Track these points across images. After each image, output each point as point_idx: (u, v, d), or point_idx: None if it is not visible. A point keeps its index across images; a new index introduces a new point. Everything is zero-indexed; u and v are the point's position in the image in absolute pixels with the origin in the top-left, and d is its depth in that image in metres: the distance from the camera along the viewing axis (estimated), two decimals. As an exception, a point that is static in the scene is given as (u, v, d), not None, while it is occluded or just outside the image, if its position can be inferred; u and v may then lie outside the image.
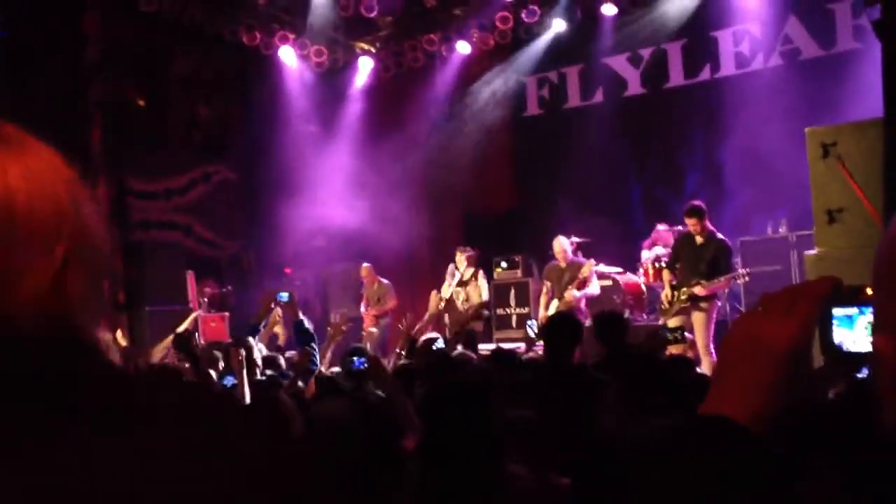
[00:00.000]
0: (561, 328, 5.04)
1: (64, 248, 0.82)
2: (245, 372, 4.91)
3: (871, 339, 0.96)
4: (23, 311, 0.79)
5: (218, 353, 6.13)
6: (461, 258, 10.86)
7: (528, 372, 4.93)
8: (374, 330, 11.15)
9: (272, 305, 6.10)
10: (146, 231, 12.33)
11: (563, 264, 10.04)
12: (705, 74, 12.10)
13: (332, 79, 14.09)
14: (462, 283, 10.85)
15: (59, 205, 0.83)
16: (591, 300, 10.07)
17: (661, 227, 11.00)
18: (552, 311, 9.65)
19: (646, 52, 12.56)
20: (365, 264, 11.80)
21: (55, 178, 0.85)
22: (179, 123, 13.49)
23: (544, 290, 10.23)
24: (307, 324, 5.73)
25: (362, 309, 11.68)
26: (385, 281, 11.71)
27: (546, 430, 3.63)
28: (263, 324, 6.48)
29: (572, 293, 9.77)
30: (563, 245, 10.11)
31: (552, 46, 13.19)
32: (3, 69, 11.15)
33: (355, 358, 4.93)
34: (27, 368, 0.80)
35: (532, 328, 10.23)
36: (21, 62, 11.26)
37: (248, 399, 4.74)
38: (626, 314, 9.72)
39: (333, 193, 13.17)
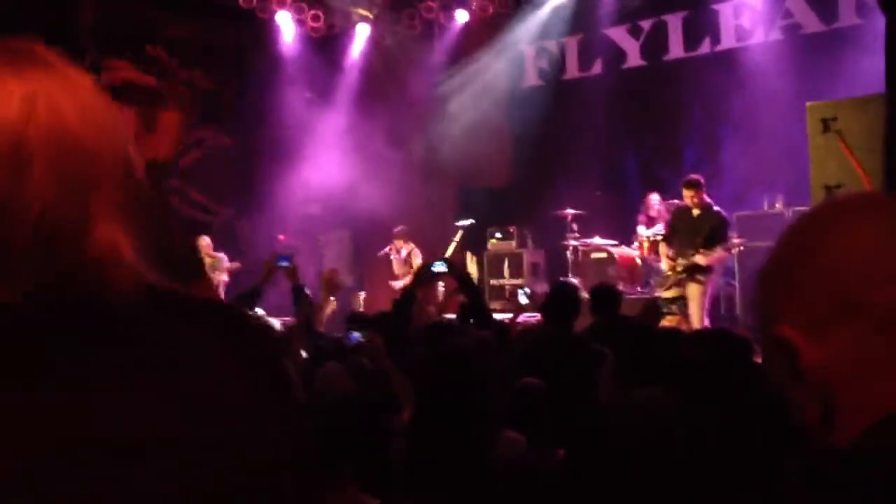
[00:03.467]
0: (561, 298, 5.02)
1: (31, 155, 0.81)
2: None
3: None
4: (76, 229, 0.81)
5: None
6: (399, 242, 10.87)
7: (526, 342, 4.91)
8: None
9: (274, 269, 6.05)
10: (139, 194, 12.25)
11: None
12: (705, 47, 12.02)
13: (328, 45, 13.97)
14: (407, 263, 10.84)
15: (30, 115, 0.82)
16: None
17: (652, 196, 10.95)
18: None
19: (646, 24, 12.46)
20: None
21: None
22: (177, 89, 13.34)
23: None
24: (307, 290, 5.72)
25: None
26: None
27: (545, 399, 3.62)
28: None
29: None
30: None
31: (552, 16, 13.08)
32: (-3, 31, 11.01)
33: (352, 333, 4.91)
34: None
35: (524, 296, 10.21)
36: (12, 24, 11.12)
37: None
38: (620, 286, 9.70)
39: (328, 160, 13.09)
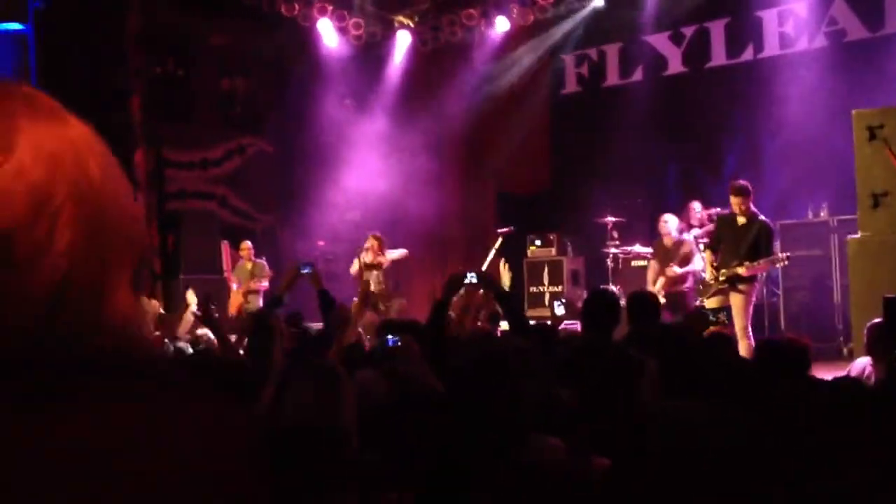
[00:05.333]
0: (600, 305, 4.98)
1: (58, 210, 0.79)
2: (278, 343, 4.93)
3: None
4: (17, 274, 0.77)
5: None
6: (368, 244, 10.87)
7: (567, 350, 4.88)
8: None
9: (296, 277, 6.09)
10: (182, 201, 12.40)
11: (667, 243, 9.92)
12: (748, 54, 11.91)
13: (369, 53, 14.04)
14: (370, 267, 10.81)
15: (56, 170, 0.80)
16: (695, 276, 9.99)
17: (694, 204, 10.86)
18: (658, 288, 9.61)
19: (688, 31, 12.38)
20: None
21: (63, 148, 0.82)
22: (217, 96, 13.52)
23: (651, 268, 10.16)
24: (331, 294, 5.74)
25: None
26: None
27: (586, 408, 3.59)
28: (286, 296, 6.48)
29: (673, 270, 9.67)
30: (668, 223, 9.99)
31: (592, 23, 13.04)
32: (44, 40, 11.21)
33: (389, 336, 4.92)
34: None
35: (560, 306, 10.17)
36: (62, 34, 11.32)
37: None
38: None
39: (368, 167, 13.14)
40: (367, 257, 10.86)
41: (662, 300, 9.11)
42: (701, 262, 9.94)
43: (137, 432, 0.79)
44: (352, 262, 11.15)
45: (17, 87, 0.85)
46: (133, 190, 0.88)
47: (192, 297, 10.23)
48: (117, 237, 0.83)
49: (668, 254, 9.86)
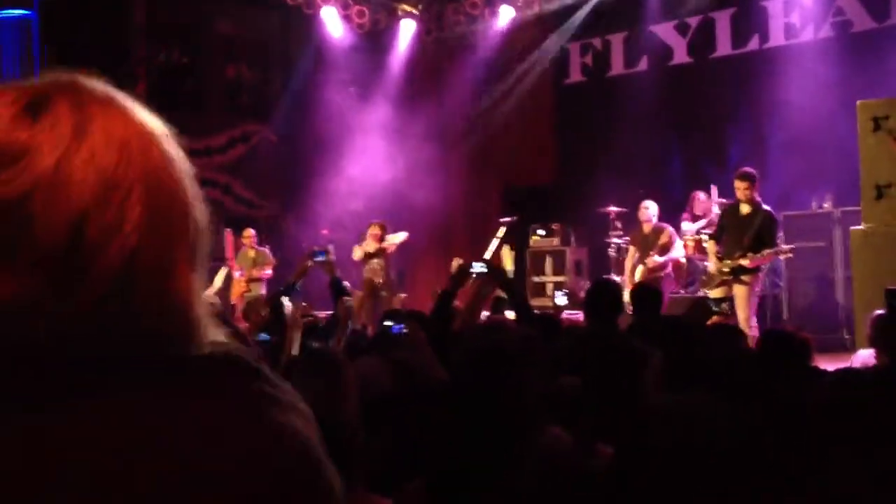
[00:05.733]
0: (602, 296, 4.99)
1: (127, 193, 0.82)
2: (291, 330, 4.96)
3: None
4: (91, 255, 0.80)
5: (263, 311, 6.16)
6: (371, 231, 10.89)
7: (570, 339, 4.89)
8: None
9: (309, 264, 6.10)
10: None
11: (646, 230, 9.95)
12: (754, 45, 11.87)
13: (373, 41, 14.02)
14: (371, 255, 10.86)
15: (125, 155, 0.84)
16: (677, 266, 10.01)
17: (699, 194, 10.87)
18: (638, 277, 9.64)
19: (694, 21, 12.34)
20: None
21: (131, 134, 0.85)
22: (222, 84, 13.51)
23: (629, 255, 10.19)
24: (344, 282, 5.75)
25: None
26: None
27: (590, 398, 3.60)
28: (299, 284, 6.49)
29: (653, 259, 9.71)
30: (648, 209, 10.00)
31: (597, 12, 13.00)
32: (49, 27, 11.20)
33: (392, 323, 4.92)
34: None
35: (562, 296, 10.19)
36: (66, 20, 11.31)
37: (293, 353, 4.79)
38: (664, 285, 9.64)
39: (372, 156, 13.14)
40: (371, 246, 10.89)
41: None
42: (682, 250, 9.97)
43: (144, 432, 0.80)
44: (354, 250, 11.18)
45: (88, 81, 0.88)
46: (193, 174, 0.92)
47: (218, 280, 10.27)
48: (180, 219, 0.87)
49: (647, 241, 9.89)
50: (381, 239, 10.92)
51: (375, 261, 10.89)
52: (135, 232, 0.81)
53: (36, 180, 0.78)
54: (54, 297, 0.78)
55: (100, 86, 0.88)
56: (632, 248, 10.18)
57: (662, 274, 9.75)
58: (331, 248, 6.16)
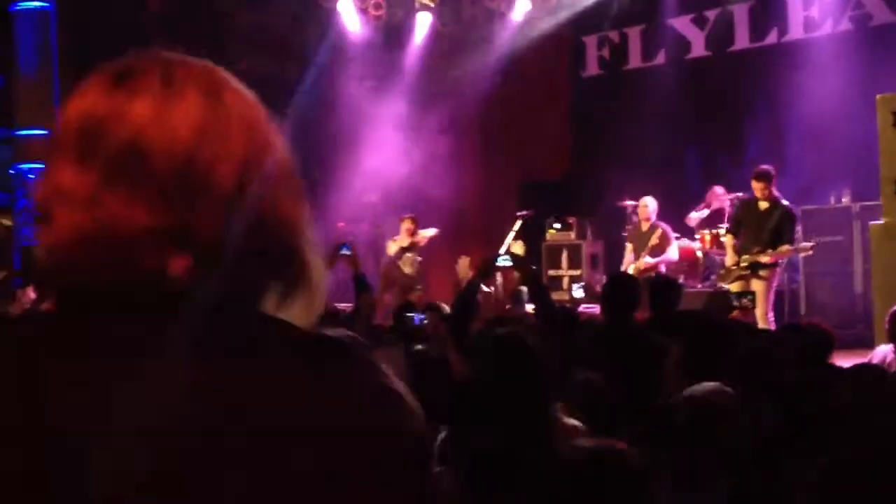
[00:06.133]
0: (619, 291, 4.98)
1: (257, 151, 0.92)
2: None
3: None
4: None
5: None
6: (404, 226, 10.97)
7: (588, 333, 4.88)
8: None
9: (335, 258, 6.11)
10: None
11: (644, 227, 9.92)
12: (772, 38, 11.81)
13: (389, 34, 14.00)
14: (406, 249, 10.91)
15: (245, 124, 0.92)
16: (671, 266, 9.97)
17: (717, 189, 10.83)
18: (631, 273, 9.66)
19: (711, 14, 12.28)
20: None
21: (249, 105, 0.95)
22: (237, 76, 13.50)
23: (627, 251, 10.17)
24: (366, 278, 5.77)
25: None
26: None
27: (606, 392, 3.59)
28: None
29: (644, 261, 9.69)
30: (647, 206, 9.96)
31: (614, 5, 12.94)
32: (67, 18, 11.26)
33: (415, 314, 4.94)
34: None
35: (579, 289, 10.17)
36: (84, 12, 11.36)
37: None
38: (680, 280, 9.60)
39: (388, 149, 13.13)
40: (404, 240, 10.97)
41: None
42: (676, 252, 9.90)
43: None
44: (375, 243, 11.24)
45: (179, 55, 0.97)
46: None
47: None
48: (277, 158, 0.96)
49: (643, 239, 9.86)
50: (414, 233, 11.01)
51: (408, 255, 10.99)
52: (240, 155, 0.89)
53: (140, 128, 0.86)
54: (179, 221, 0.84)
55: (186, 56, 0.97)
56: (629, 245, 10.15)
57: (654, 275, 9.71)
58: (353, 244, 6.18)
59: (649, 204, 9.99)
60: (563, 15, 13.28)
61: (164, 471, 0.78)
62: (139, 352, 0.82)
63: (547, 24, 13.47)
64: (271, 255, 0.90)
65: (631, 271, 9.71)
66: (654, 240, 9.73)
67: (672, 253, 9.88)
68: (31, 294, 9.56)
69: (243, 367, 0.82)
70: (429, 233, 11.15)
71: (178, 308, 0.82)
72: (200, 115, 0.88)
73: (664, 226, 9.95)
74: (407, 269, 10.95)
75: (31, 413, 0.80)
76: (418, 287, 10.82)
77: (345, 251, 5.90)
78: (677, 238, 11.02)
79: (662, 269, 9.80)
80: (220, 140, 0.88)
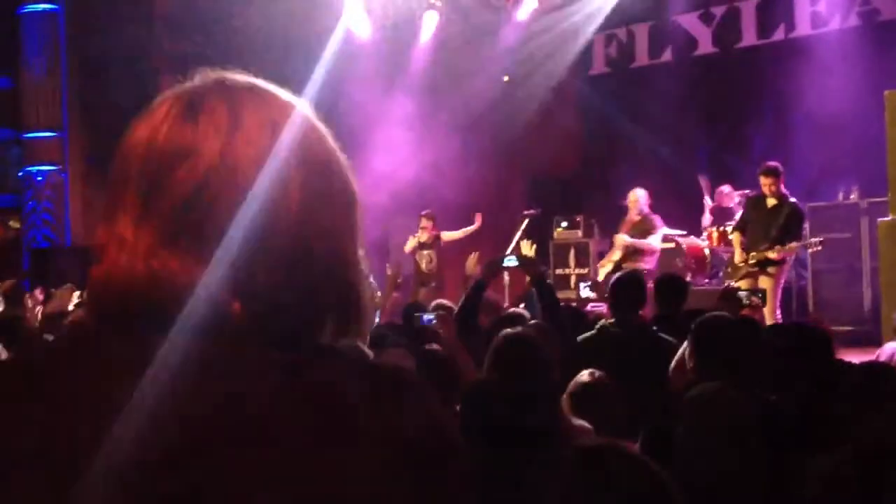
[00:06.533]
0: (625, 289, 4.98)
1: (286, 168, 0.90)
2: None
3: None
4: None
5: None
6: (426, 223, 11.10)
7: (597, 332, 4.89)
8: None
9: None
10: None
11: (634, 217, 9.93)
12: (779, 34, 11.79)
13: (396, 33, 14.00)
14: (423, 246, 10.98)
15: (278, 136, 0.91)
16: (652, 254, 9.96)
17: (724, 188, 10.83)
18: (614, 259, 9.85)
19: (718, 11, 12.26)
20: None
21: (282, 118, 0.94)
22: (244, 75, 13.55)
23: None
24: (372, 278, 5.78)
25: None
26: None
27: (613, 390, 3.60)
28: None
29: (622, 236, 9.72)
30: (639, 200, 9.97)
31: (621, 2, 12.92)
32: (74, 21, 11.30)
33: (423, 315, 4.96)
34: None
35: (586, 288, 10.17)
36: (91, 13, 11.40)
37: None
38: (688, 277, 9.59)
39: (396, 148, 13.14)
40: (423, 236, 11.05)
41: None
42: (659, 242, 9.87)
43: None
44: (383, 242, 11.28)
45: (239, 79, 0.97)
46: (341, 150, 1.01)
47: None
48: (338, 186, 0.96)
49: (637, 229, 9.87)
50: (433, 229, 11.10)
51: (426, 251, 11.07)
52: (299, 203, 0.89)
53: (206, 171, 0.86)
54: (234, 278, 0.85)
55: (242, 78, 0.97)
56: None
57: (646, 268, 9.69)
58: None
59: (640, 196, 9.98)
60: (570, 13, 13.28)
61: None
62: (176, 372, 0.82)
63: (554, 22, 13.46)
64: (327, 295, 0.91)
65: (617, 256, 9.76)
66: (644, 225, 9.77)
67: (654, 241, 9.83)
68: (39, 296, 9.62)
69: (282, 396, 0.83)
70: (454, 235, 11.21)
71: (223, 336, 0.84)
72: (265, 157, 0.88)
73: (654, 217, 9.94)
74: (423, 266, 11.05)
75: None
76: (433, 284, 10.87)
77: None
78: (684, 236, 11.03)
79: (653, 261, 9.79)
80: (282, 187, 0.88)
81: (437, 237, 11.19)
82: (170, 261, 0.85)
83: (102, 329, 0.87)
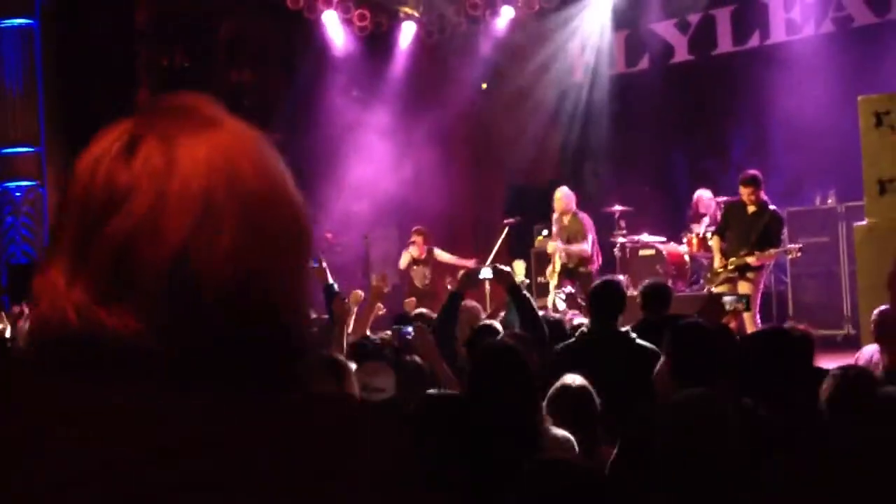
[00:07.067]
0: (605, 296, 5.00)
1: (221, 211, 0.86)
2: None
3: None
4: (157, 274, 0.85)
5: None
6: (416, 238, 11.06)
7: (574, 340, 4.90)
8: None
9: None
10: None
11: (566, 220, 10.00)
12: (754, 41, 11.88)
13: (375, 43, 14.02)
14: (417, 262, 10.97)
15: (214, 176, 0.87)
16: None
17: (704, 193, 10.88)
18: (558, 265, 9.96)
19: (694, 18, 12.35)
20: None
21: (217, 154, 0.89)
22: (224, 88, 13.53)
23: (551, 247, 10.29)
24: (336, 287, 5.80)
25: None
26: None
27: (593, 399, 3.61)
28: None
29: (557, 243, 9.79)
30: (562, 199, 10.02)
31: (598, 12, 13.00)
32: (55, 32, 11.24)
33: (403, 327, 4.97)
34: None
35: (560, 300, 10.17)
36: (68, 27, 11.35)
37: None
38: (669, 283, 9.63)
39: (376, 158, 13.14)
40: (415, 251, 11.01)
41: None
42: (591, 246, 9.93)
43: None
44: (363, 253, 11.24)
45: (175, 102, 0.93)
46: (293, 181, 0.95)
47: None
48: (283, 232, 0.90)
49: (565, 231, 9.94)
50: (424, 244, 11.06)
51: (420, 267, 11.03)
52: (235, 249, 0.86)
53: (139, 221, 0.84)
54: (170, 324, 0.84)
55: (193, 106, 0.93)
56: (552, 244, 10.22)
57: (592, 268, 9.78)
58: (321, 256, 6.20)
59: (563, 195, 10.05)
60: (548, 23, 13.34)
61: None
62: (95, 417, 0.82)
63: (532, 32, 13.51)
64: (264, 339, 0.88)
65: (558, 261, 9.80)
66: (575, 225, 9.84)
67: (586, 246, 9.91)
68: (25, 310, 9.55)
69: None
70: (445, 256, 11.21)
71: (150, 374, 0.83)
72: (198, 200, 0.86)
73: (582, 216, 10.00)
74: (418, 282, 11.01)
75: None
76: (427, 300, 10.84)
77: (312, 264, 5.92)
78: (664, 243, 11.08)
79: (593, 265, 9.88)
80: (215, 230, 0.85)
81: (430, 252, 11.16)
82: (102, 313, 0.83)
83: (41, 371, 0.86)
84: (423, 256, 11.05)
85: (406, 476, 0.87)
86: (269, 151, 0.95)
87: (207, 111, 0.93)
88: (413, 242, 11.13)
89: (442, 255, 11.25)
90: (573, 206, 10.04)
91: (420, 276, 11.06)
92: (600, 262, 10.15)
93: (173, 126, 0.89)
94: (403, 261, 11.23)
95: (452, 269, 11.13)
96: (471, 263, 10.68)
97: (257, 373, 0.87)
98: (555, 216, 10.23)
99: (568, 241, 9.97)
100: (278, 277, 0.89)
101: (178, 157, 0.87)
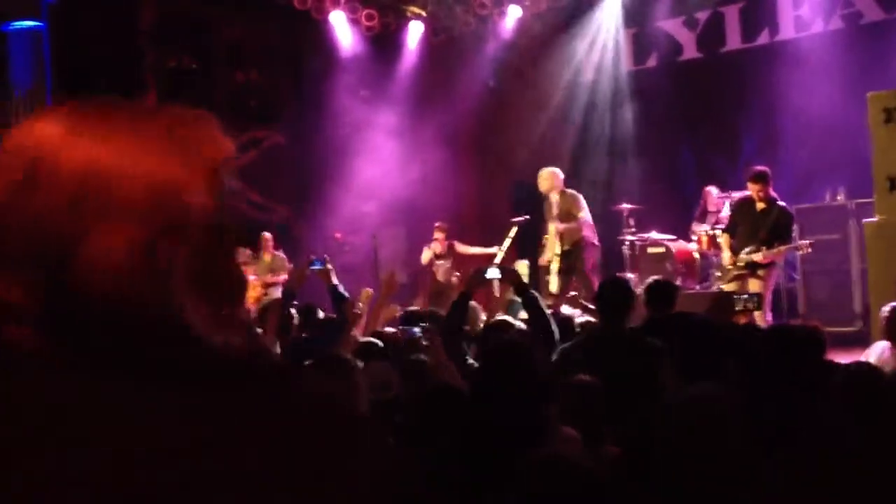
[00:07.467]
0: (613, 293, 4.98)
1: (151, 229, 0.83)
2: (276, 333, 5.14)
3: None
4: (94, 282, 0.82)
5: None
6: (438, 234, 11.16)
7: (585, 338, 4.89)
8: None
9: (306, 273, 6.14)
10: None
11: (554, 199, 9.97)
12: (763, 38, 11.82)
13: (382, 43, 14.02)
14: (439, 257, 10.99)
15: (153, 187, 0.84)
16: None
17: (713, 190, 10.84)
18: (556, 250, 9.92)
19: (702, 16, 12.30)
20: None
21: (159, 161, 0.86)
22: (231, 89, 13.55)
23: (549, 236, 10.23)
24: (341, 289, 5.80)
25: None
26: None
27: (601, 396, 3.60)
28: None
29: (556, 224, 9.74)
30: (547, 179, 9.99)
31: (606, 10, 12.98)
32: (61, 35, 11.26)
33: (411, 328, 4.98)
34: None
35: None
36: (76, 29, 11.37)
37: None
38: (678, 281, 9.60)
39: (383, 158, 13.14)
40: (437, 248, 11.07)
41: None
42: (588, 215, 9.86)
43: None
44: (371, 252, 11.26)
45: (87, 116, 0.91)
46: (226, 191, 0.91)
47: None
48: (113, 207, 0.85)
49: (560, 211, 9.90)
50: (446, 239, 11.13)
51: (442, 262, 11.10)
52: (40, 213, 0.83)
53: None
54: (45, 304, 0.81)
55: (97, 116, 0.90)
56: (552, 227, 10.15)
57: (594, 243, 9.73)
58: (327, 257, 6.20)
59: (549, 174, 10.01)
60: (556, 21, 13.32)
61: None
62: None
63: (539, 30, 13.50)
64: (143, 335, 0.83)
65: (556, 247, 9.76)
66: (565, 202, 9.80)
67: (584, 214, 9.86)
68: None
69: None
70: (467, 249, 11.24)
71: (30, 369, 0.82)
72: (79, 178, 0.84)
73: (573, 192, 9.96)
74: (440, 277, 11.07)
75: None
76: (447, 294, 10.88)
77: (315, 267, 5.92)
78: (673, 241, 11.04)
79: (591, 263, 9.82)
80: (29, 194, 0.84)
81: (451, 247, 11.22)
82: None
83: None
84: (444, 251, 11.10)
85: (405, 476, 0.87)
86: (148, 139, 0.88)
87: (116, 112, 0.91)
88: (436, 239, 11.21)
89: (463, 248, 11.29)
90: (560, 183, 10.00)
91: (442, 272, 11.12)
92: (598, 242, 10.06)
93: (73, 161, 0.86)
94: (425, 257, 11.30)
95: (472, 262, 11.17)
96: (494, 251, 10.73)
97: (124, 353, 0.83)
98: (546, 201, 10.18)
99: (563, 220, 9.91)
100: (87, 243, 0.82)
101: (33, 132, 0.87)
